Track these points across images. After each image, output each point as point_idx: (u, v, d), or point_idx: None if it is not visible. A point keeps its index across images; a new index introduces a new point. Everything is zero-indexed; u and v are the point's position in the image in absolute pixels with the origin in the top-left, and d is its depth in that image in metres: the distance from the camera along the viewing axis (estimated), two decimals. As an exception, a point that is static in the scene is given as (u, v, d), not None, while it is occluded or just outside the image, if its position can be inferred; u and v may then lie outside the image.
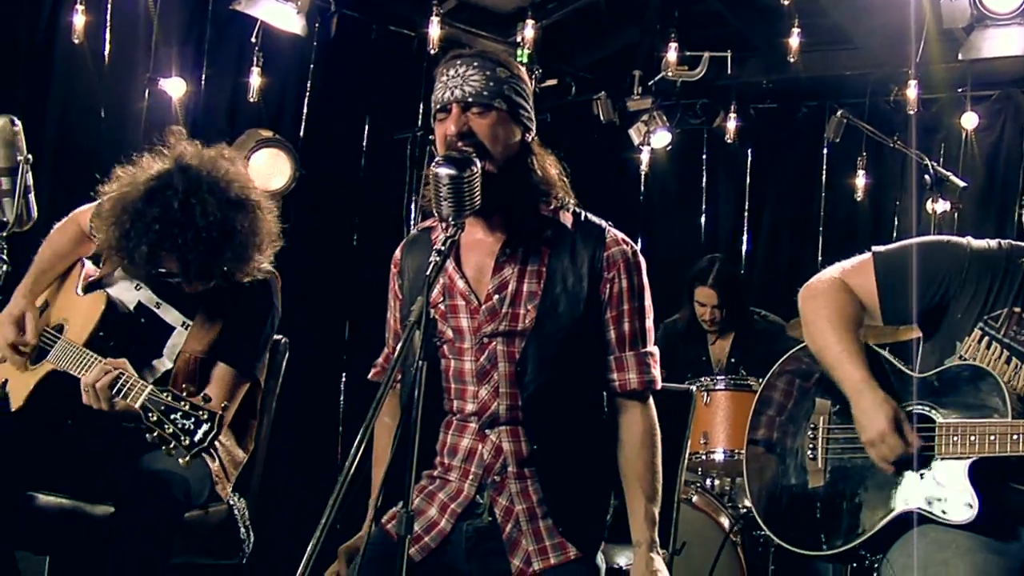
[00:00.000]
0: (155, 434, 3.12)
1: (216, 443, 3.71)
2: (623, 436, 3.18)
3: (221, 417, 3.11)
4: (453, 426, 3.16)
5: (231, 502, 3.87)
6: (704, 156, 9.03)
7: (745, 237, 8.78)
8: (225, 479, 3.82)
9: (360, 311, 7.38)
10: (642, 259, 3.21)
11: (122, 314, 3.70)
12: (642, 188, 8.99)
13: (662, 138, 8.16)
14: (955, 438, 3.11)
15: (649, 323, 3.21)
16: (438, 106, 3.10)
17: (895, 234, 8.12)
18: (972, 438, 3.08)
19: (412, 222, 6.81)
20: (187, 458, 3.07)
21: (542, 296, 3.08)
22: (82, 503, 3.63)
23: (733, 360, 6.56)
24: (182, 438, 3.06)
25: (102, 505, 3.60)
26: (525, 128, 3.15)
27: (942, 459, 3.14)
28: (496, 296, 3.09)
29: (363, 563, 2.93)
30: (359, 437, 2.48)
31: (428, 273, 2.67)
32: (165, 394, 3.13)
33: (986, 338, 3.26)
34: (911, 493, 3.19)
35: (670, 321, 6.77)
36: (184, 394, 3.14)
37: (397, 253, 3.38)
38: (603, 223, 3.21)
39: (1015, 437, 3.01)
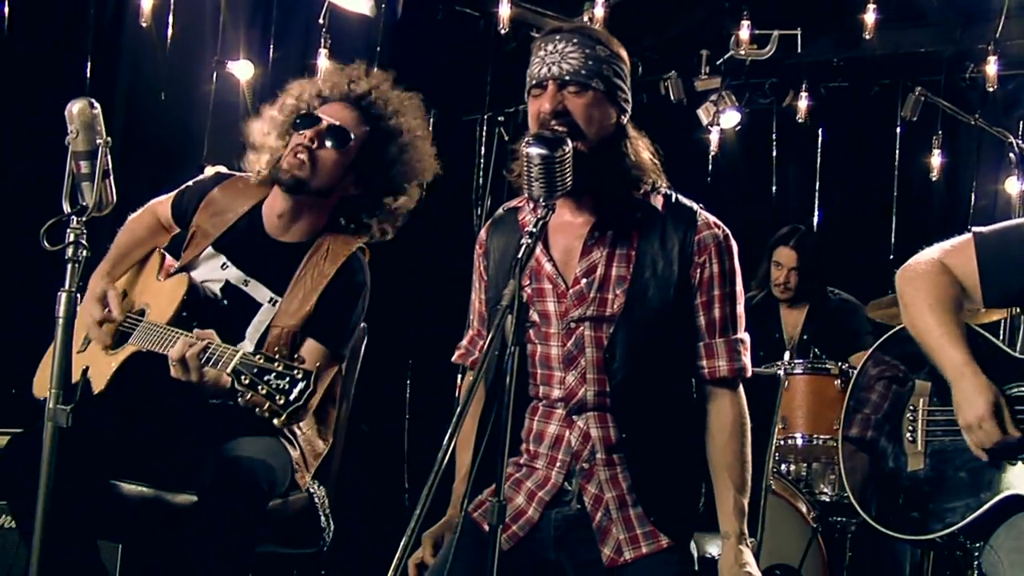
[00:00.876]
0: (248, 397, 3.05)
1: (297, 430, 3.69)
2: (712, 425, 3.10)
3: (316, 376, 3.02)
4: (539, 412, 3.11)
5: (311, 490, 3.82)
6: (774, 136, 8.87)
7: (815, 218, 8.64)
8: (305, 468, 3.76)
9: (428, 293, 7.35)
10: (734, 243, 3.13)
11: (205, 297, 3.65)
12: (710, 168, 8.86)
13: (731, 118, 8.10)
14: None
15: (740, 309, 3.13)
16: (533, 81, 3.01)
17: (971, 215, 7.98)
18: None
19: (481, 204, 6.75)
20: (283, 417, 2.98)
21: (631, 281, 3.01)
22: (164, 491, 3.60)
23: (806, 337, 6.42)
24: (277, 397, 2.97)
25: (183, 494, 3.56)
26: (621, 110, 3.07)
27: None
28: (584, 280, 3.03)
29: (453, 552, 2.85)
30: (453, 424, 2.42)
31: (520, 256, 2.61)
32: (257, 356, 3.05)
33: None
34: (1016, 478, 3.11)
35: None
36: (276, 356, 3.05)
37: (482, 233, 3.31)
38: (694, 205, 3.12)
39: None
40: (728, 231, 3.12)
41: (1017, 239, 3.28)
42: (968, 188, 8.06)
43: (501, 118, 6.73)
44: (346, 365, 4.01)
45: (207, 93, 6.24)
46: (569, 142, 2.78)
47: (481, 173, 6.92)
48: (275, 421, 2.98)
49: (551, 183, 2.72)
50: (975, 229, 3.35)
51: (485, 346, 2.57)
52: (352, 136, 3.71)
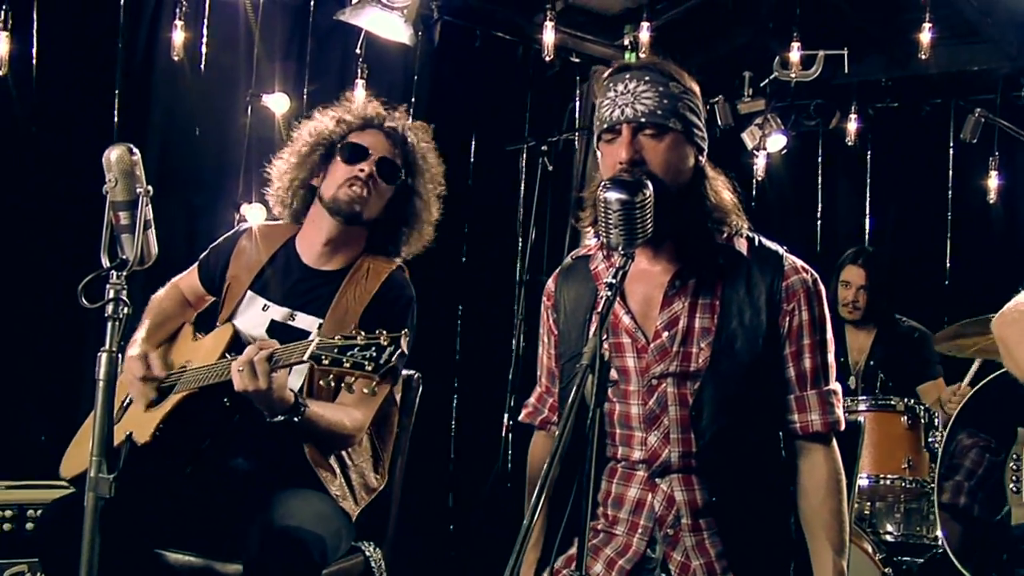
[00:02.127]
0: (331, 376, 2.98)
1: (349, 460, 3.62)
2: (805, 483, 2.93)
3: (404, 339, 2.94)
4: (618, 474, 2.96)
5: (367, 552, 3.66)
6: (820, 159, 8.73)
7: (866, 242, 8.41)
8: (351, 499, 3.61)
9: (471, 330, 7.20)
10: (823, 288, 2.96)
11: (248, 343, 3.54)
12: (753, 193, 8.68)
13: (777, 141, 7.93)
14: None
15: (831, 358, 2.96)
16: (605, 126, 2.84)
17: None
18: None
19: (526, 235, 6.62)
20: (377, 380, 2.91)
21: (716, 332, 2.85)
22: (212, 561, 3.43)
23: (872, 363, 6.27)
24: (366, 365, 2.89)
25: (233, 563, 3.39)
26: (699, 149, 2.92)
27: None
28: (666, 333, 2.87)
29: None
30: (537, 491, 2.32)
31: (600, 310, 2.51)
32: (335, 338, 2.98)
33: None
34: None
35: None
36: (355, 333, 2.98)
37: (550, 284, 3.16)
38: (780, 249, 2.97)
39: None
40: (816, 276, 2.95)
41: None
42: (1028, 210, 7.91)
43: (544, 147, 6.58)
44: (400, 417, 3.91)
45: (242, 128, 6.11)
46: (650, 185, 2.64)
47: (524, 203, 6.77)
48: (365, 390, 2.97)
49: (631, 230, 2.59)
50: None
51: (568, 407, 2.39)
52: (400, 171, 3.79)
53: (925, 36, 6.57)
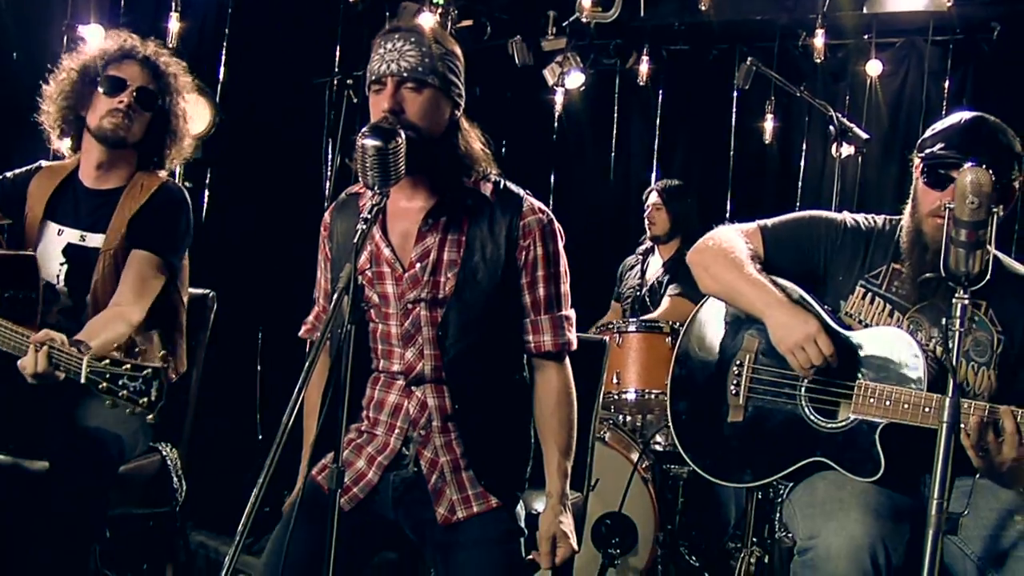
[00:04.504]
0: (109, 402, 3.24)
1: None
2: (539, 395, 3.36)
3: (164, 369, 3.22)
4: (380, 382, 3.32)
5: (163, 452, 3.99)
6: (616, 97, 9.10)
7: (654, 177, 8.85)
8: None
9: (279, 258, 7.29)
10: (558, 227, 3.35)
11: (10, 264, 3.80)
12: (555, 128, 9.09)
13: (576, 79, 8.19)
14: (871, 400, 3.29)
15: (565, 288, 3.36)
16: (373, 77, 3.18)
17: (802, 177, 8.33)
18: (887, 403, 3.25)
19: (329, 164, 6.85)
20: (152, 416, 3.22)
21: (462, 264, 3.22)
22: (21, 459, 3.72)
23: (665, 270, 6.94)
24: (139, 400, 3.19)
25: (40, 461, 3.68)
26: (455, 104, 3.26)
27: (855, 415, 3.34)
28: (419, 264, 3.22)
29: (296, 514, 3.08)
30: (295, 395, 2.58)
31: (355, 240, 2.77)
32: (103, 361, 3.24)
33: (868, 294, 3.49)
34: (822, 444, 3.39)
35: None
36: (121, 355, 3.25)
37: (327, 216, 3.48)
38: (521, 192, 3.34)
39: (927, 409, 3.19)
40: (552, 216, 3.34)
41: (790, 233, 3.66)
42: (800, 151, 8.38)
43: (349, 81, 6.82)
44: (194, 333, 4.20)
45: (57, 56, 6.20)
46: (402, 133, 2.95)
47: (330, 134, 7.01)
48: (147, 419, 3.23)
49: (385, 172, 2.89)
50: (759, 223, 3.69)
51: (323, 323, 2.76)
52: (157, 97, 4.09)
53: (705, -11, 7.07)
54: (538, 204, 3.33)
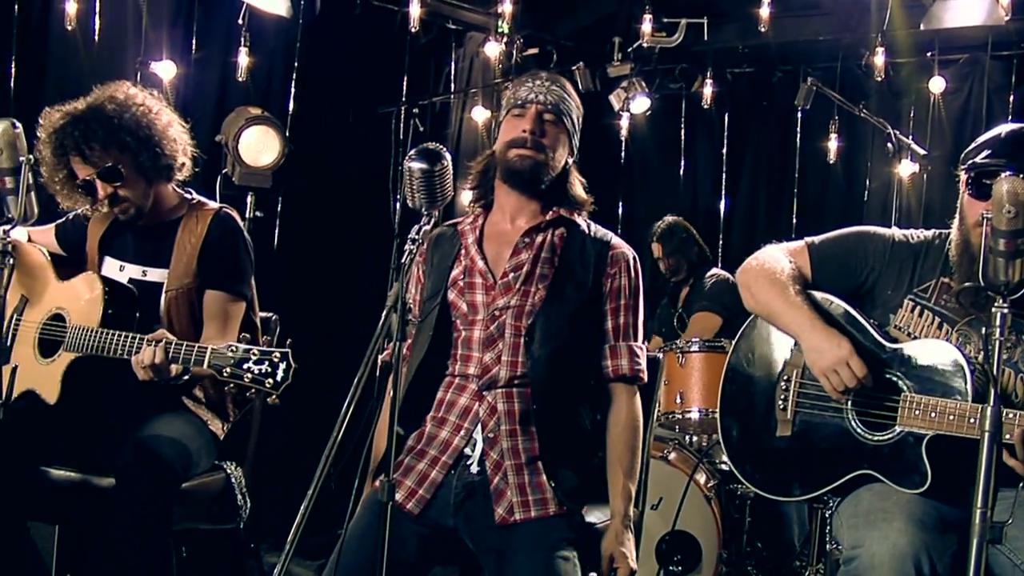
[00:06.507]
0: (232, 386, 3.40)
1: (209, 386, 4.02)
2: (611, 418, 3.54)
3: (290, 353, 3.33)
4: (453, 385, 3.49)
5: (228, 470, 4.10)
6: (682, 121, 9.16)
7: (723, 200, 8.96)
8: (218, 421, 4.06)
9: (349, 282, 7.55)
10: (640, 268, 3.63)
11: (120, 289, 3.91)
12: (622, 153, 9.18)
13: (641, 104, 8.35)
14: (917, 411, 3.29)
15: (640, 321, 3.60)
16: (516, 102, 3.52)
17: (867, 196, 8.32)
18: (933, 414, 3.26)
19: (396, 193, 6.96)
20: (275, 397, 3.32)
21: (552, 279, 3.46)
22: (90, 476, 3.84)
23: (680, 311, 7.03)
24: (264, 381, 3.31)
25: (107, 477, 3.79)
26: (572, 151, 3.60)
27: (901, 427, 3.34)
28: (512, 274, 3.47)
29: (359, 524, 3.27)
30: (344, 405, 2.78)
31: (403, 260, 2.88)
32: (229, 348, 3.37)
33: (918, 307, 3.51)
34: (869, 457, 3.40)
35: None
36: (241, 343, 3.37)
37: (425, 244, 3.61)
38: (610, 232, 3.64)
39: (972, 420, 3.18)
40: (637, 256, 3.63)
41: (838, 250, 3.68)
42: (864, 170, 8.37)
43: (416, 110, 6.93)
44: None
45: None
46: (447, 156, 3.02)
47: (396, 163, 7.11)
48: (268, 400, 3.33)
49: (431, 194, 2.98)
50: (807, 240, 3.73)
51: (377, 345, 2.85)
52: (120, 168, 3.92)
53: (764, 11, 7.12)
54: (626, 244, 3.63)
